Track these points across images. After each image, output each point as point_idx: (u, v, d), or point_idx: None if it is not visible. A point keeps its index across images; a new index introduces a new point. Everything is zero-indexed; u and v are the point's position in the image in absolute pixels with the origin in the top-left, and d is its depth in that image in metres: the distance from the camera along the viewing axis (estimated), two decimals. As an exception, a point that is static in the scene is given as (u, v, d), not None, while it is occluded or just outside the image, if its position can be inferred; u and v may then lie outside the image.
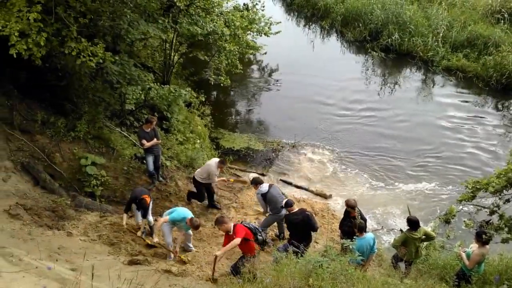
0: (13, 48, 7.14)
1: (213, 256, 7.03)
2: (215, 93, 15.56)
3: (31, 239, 7.22)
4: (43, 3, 7.26)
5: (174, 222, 7.69)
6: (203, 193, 9.56)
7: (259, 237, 7.22)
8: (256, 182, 8.61)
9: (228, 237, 6.98)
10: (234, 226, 6.98)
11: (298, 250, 6.32)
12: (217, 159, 9.46)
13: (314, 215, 8.03)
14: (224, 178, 9.96)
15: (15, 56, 7.22)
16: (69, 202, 8.76)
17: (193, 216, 7.75)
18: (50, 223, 7.96)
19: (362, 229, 7.15)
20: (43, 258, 6.44)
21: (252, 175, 11.30)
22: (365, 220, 7.73)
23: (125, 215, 8.16)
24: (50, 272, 5.55)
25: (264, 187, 8.44)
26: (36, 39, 7.29)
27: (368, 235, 7.23)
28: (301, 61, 17.50)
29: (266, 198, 8.38)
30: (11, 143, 9.00)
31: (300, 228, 7.57)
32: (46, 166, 9.18)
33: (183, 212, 7.77)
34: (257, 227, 7.42)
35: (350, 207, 7.78)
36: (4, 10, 7.08)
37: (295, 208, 7.80)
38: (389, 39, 17.77)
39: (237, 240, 6.74)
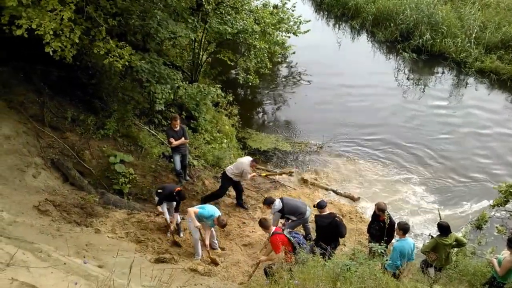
0: (48, 46, 7.25)
1: (257, 261, 7.09)
2: (243, 92, 15.49)
3: (60, 235, 7.28)
4: (75, 2, 7.36)
5: (200, 219, 7.67)
6: (226, 189, 9.50)
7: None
8: (268, 202, 8.47)
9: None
10: (273, 234, 6.84)
11: (325, 252, 6.17)
12: (250, 158, 9.41)
13: (343, 221, 7.83)
14: (254, 174, 9.82)
15: (51, 53, 7.33)
16: (98, 199, 8.82)
17: (220, 214, 7.75)
18: (79, 220, 8.02)
19: (406, 230, 6.91)
20: (71, 254, 6.46)
21: (278, 176, 11.25)
22: (394, 224, 7.47)
23: (165, 211, 8.19)
24: (79, 268, 5.55)
25: (278, 204, 8.28)
26: (70, 37, 7.38)
27: (410, 239, 7.01)
28: (330, 61, 17.26)
29: (284, 212, 8.24)
30: (41, 140, 9.13)
31: (326, 232, 7.43)
32: (75, 163, 9.28)
33: (212, 209, 7.79)
34: (299, 239, 6.96)
35: (381, 210, 7.59)
36: (37, 9, 7.19)
37: (326, 211, 7.63)
38: (421, 40, 17.34)
39: (280, 256, 6.63)
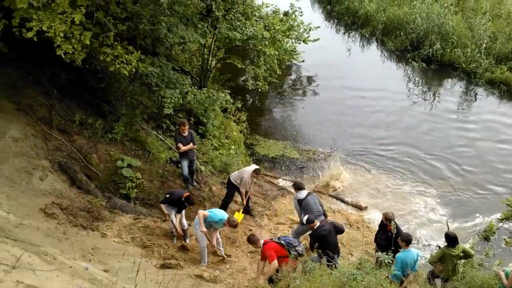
0: (59, 48, 7.27)
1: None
2: (251, 99, 15.46)
3: (66, 238, 7.24)
4: (85, 6, 7.39)
5: (210, 223, 7.66)
6: (232, 195, 9.44)
7: (293, 252, 6.92)
8: (296, 186, 8.48)
9: (263, 254, 6.93)
10: (263, 245, 6.87)
11: (332, 260, 6.10)
12: (253, 167, 9.31)
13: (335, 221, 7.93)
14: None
15: (62, 56, 7.35)
16: (104, 203, 8.79)
17: (229, 217, 7.78)
18: (85, 224, 7.99)
19: (409, 241, 6.83)
20: (77, 258, 6.41)
21: (285, 183, 11.17)
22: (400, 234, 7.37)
23: (175, 217, 8.13)
24: (84, 272, 5.50)
25: (302, 194, 8.30)
26: (80, 40, 7.41)
27: (414, 250, 6.92)
28: (339, 69, 17.19)
29: (301, 205, 8.22)
30: (49, 143, 9.13)
31: (331, 237, 7.35)
32: (82, 167, 9.26)
33: (220, 213, 7.81)
34: (290, 241, 7.08)
35: (388, 220, 7.51)
36: (48, 11, 7.21)
37: (317, 223, 7.50)
38: (431, 50, 17.18)
39: (274, 265, 6.64)
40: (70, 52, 7.36)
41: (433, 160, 12.44)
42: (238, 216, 7.89)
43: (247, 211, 9.60)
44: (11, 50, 8.41)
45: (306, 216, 7.63)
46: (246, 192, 9.35)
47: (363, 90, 15.84)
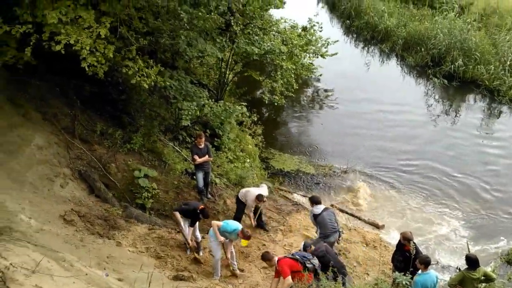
0: (85, 61, 7.57)
1: None
2: (267, 112, 15.49)
3: (83, 245, 7.39)
4: (110, 21, 7.68)
5: (223, 234, 7.69)
6: (242, 210, 9.42)
7: (308, 265, 6.89)
8: (313, 200, 8.46)
9: (277, 271, 6.90)
10: (278, 261, 6.84)
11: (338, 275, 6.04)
12: (257, 191, 9.10)
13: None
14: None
15: (86, 68, 7.62)
16: (121, 213, 8.95)
17: (243, 227, 7.80)
18: (102, 232, 8.14)
19: (428, 263, 6.68)
20: (93, 265, 6.55)
21: (300, 198, 11.14)
22: (419, 254, 7.24)
23: (189, 230, 8.19)
24: (99, 280, 5.62)
25: (318, 209, 8.28)
26: (104, 53, 7.68)
27: (433, 272, 6.78)
28: (358, 84, 17.08)
29: (316, 220, 8.23)
30: (71, 151, 9.41)
31: (331, 256, 7.31)
32: (101, 176, 9.49)
33: (234, 224, 7.84)
34: (305, 255, 7.10)
35: (406, 239, 7.35)
36: (75, 26, 7.54)
37: (313, 247, 7.48)
38: (453, 66, 16.92)
39: (288, 281, 6.59)
40: (95, 64, 7.65)
41: (456, 178, 12.14)
42: (243, 243, 7.84)
43: (261, 225, 9.58)
44: (41, 64, 8.78)
45: (302, 243, 7.66)
46: (256, 209, 9.30)
47: (382, 105, 15.70)
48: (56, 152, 9.20)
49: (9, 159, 8.36)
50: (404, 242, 7.36)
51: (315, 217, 8.27)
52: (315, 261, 7.03)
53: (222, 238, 7.65)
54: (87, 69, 7.64)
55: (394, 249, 7.89)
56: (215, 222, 7.82)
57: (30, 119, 9.15)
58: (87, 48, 7.47)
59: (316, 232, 8.51)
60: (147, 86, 8.58)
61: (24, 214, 7.35)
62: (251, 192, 9.09)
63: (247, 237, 7.75)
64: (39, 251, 5.83)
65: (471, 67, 16.78)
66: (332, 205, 11.02)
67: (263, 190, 9.33)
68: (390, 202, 11.38)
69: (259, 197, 8.90)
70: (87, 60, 7.56)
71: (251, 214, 9.35)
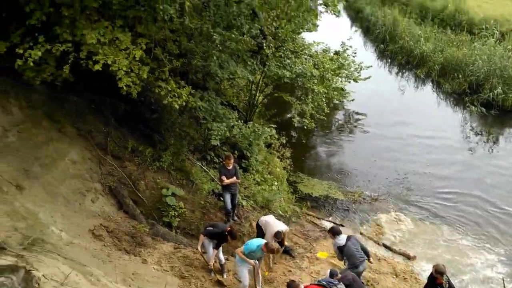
0: (121, 81, 7.82)
1: None
2: (296, 135, 15.42)
3: (110, 261, 7.49)
4: (145, 43, 7.95)
5: (251, 255, 7.60)
6: (262, 238, 9.09)
7: None
8: (333, 232, 8.21)
9: None
10: None
11: None
12: (276, 227, 8.60)
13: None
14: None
15: (124, 88, 7.87)
16: (148, 230, 9.04)
17: (267, 241, 7.70)
18: (128, 248, 8.23)
19: None
20: (118, 281, 6.62)
21: (328, 224, 10.87)
22: (452, 289, 6.90)
23: (213, 252, 8.13)
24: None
25: (342, 239, 8.02)
26: (139, 74, 7.94)
27: None
28: (390, 110, 16.82)
29: (343, 252, 7.96)
30: (103, 167, 9.65)
31: (357, 284, 7.19)
32: (130, 192, 9.65)
33: (256, 241, 7.77)
34: (331, 280, 6.92)
35: (439, 272, 7.08)
36: (113, 47, 7.85)
37: (339, 275, 7.28)
38: (491, 94, 16.37)
39: None
40: (129, 84, 7.90)
41: (496, 210, 11.52)
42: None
43: (286, 251, 9.36)
44: (79, 82, 9.16)
45: (329, 270, 7.45)
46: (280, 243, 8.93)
47: (417, 132, 15.32)
48: (89, 167, 9.46)
49: (45, 172, 8.64)
50: (437, 275, 7.10)
51: (341, 249, 8.00)
52: (342, 287, 6.84)
53: (252, 261, 7.56)
54: (124, 88, 7.88)
55: (426, 282, 7.63)
56: (238, 250, 7.74)
57: (66, 134, 9.48)
58: (124, 69, 7.74)
59: (344, 264, 8.22)
60: (178, 107, 8.75)
61: (55, 227, 7.55)
62: (271, 227, 8.66)
63: (272, 251, 7.65)
64: (68, 264, 5.96)
65: (511, 95, 16.19)
66: (361, 233, 10.73)
67: (282, 225, 8.92)
68: (423, 232, 10.93)
69: (277, 235, 8.48)
70: (123, 80, 7.82)
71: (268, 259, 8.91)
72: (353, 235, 8.72)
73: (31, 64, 7.41)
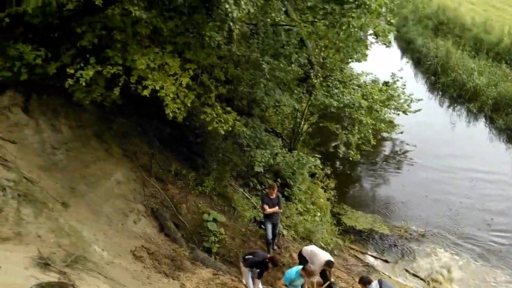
0: (167, 107, 7.85)
1: None
2: (341, 166, 15.06)
3: (149, 283, 7.42)
4: (193, 69, 8.08)
5: (293, 284, 7.45)
6: None
7: None
8: (364, 282, 7.74)
9: None
10: None
11: None
12: (327, 257, 8.44)
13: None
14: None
15: (170, 115, 7.90)
16: (188, 254, 8.94)
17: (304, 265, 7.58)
18: (168, 271, 8.13)
19: None
20: (156, 304, 6.51)
21: (372, 260, 10.38)
22: None
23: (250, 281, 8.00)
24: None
25: (374, 286, 7.54)
26: (184, 101, 8.04)
27: None
28: (440, 144, 16.12)
29: None
30: (146, 189, 9.76)
31: None
32: (172, 215, 9.65)
33: (294, 268, 7.65)
34: None
35: None
36: (161, 72, 8.00)
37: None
38: (548, 130, 15.46)
39: None
40: (175, 110, 7.99)
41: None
42: None
43: (329, 286, 8.96)
44: (128, 104, 9.43)
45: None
46: (323, 275, 8.65)
47: (469, 166, 14.64)
48: (133, 188, 9.59)
49: (90, 190, 8.81)
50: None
51: None
52: None
53: None
54: (170, 114, 7.93)
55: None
56: (279, 282, 7.62)
57: (112, 155, 9.69)
58: (171, 95, 7.80)
59: None
60: (223, 132, 8.75)
61: (97, 245, 7.61)
62: (319, 256, 8.42)
63: (310, 273, 7.51)
64: (108, 283, 5.96)
65: None
66: (406, 270, 10.15)
67: (329, 255, 8.67)
68: (473, 274, 10.28)
69: (330, 264, 8.23)
70: (169, 106, 7.84)
71: (315, 280, 8.69)
72: (383, 279, 8.18)
73: (83, 84, 7.46)
